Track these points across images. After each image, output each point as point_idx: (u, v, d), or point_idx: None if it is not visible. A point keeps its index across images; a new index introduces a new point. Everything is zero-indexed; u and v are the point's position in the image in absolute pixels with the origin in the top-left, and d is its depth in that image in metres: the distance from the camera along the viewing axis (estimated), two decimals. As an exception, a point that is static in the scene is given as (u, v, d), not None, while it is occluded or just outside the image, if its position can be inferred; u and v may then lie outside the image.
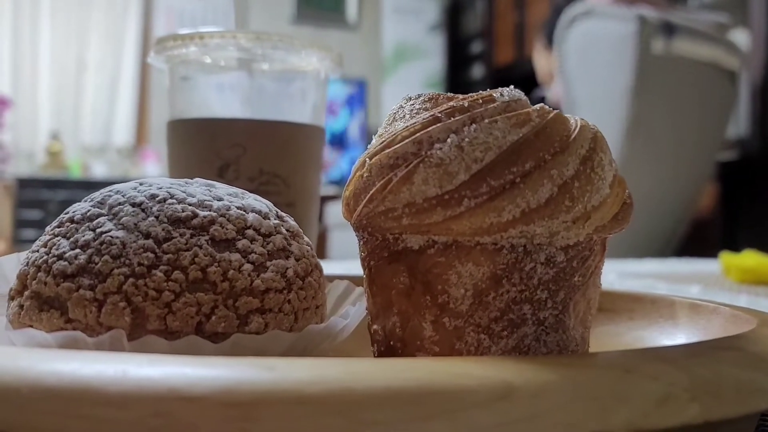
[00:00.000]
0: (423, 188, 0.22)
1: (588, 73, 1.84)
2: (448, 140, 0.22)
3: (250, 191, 0.40)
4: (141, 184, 0.25)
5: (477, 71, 3.68)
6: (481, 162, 0.21)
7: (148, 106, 3.73)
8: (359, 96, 3.77)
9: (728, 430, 0.19)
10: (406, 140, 0.22)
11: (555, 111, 0.23)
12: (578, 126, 0.22)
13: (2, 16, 3.37)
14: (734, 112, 2.06)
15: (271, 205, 0.27)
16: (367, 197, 0.23)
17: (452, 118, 0.22)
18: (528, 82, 2.39)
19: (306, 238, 0.27)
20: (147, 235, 0.23)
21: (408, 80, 3.87)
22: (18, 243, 3.27)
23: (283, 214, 0.27)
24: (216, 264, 0.23)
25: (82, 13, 3.51)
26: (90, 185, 3.47)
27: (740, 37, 2.21)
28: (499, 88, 0.23)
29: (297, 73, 0.43)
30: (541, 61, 2.12)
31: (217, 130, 0.40)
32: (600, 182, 0.22)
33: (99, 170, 3.58)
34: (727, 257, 0.75)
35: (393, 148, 0.23)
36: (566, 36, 1.85)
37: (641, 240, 1.74)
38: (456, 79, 3.85)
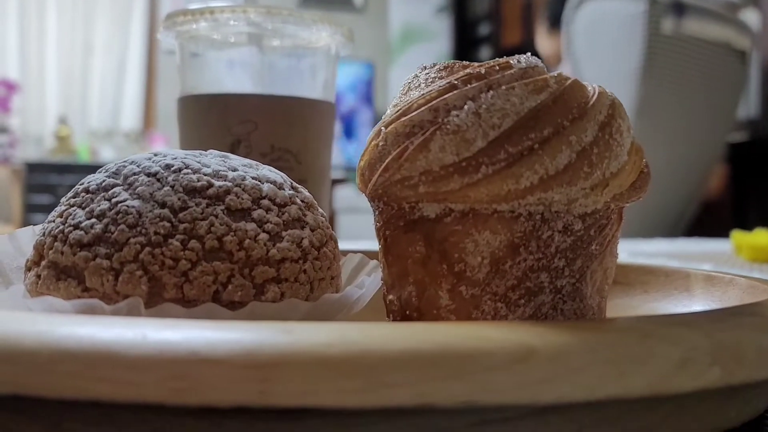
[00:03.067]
0: (440, 156, 0.21)
1: (596, 53, 1.83)
2: (465, 107, 0.21)
3: (262, 167, 0.40)
4: (156, 155, 0.25)
5: (484, 53, 3.65)
6: (499, 128, 0.21)
7: (155, 90, 3.73)
8: (367, 79, 3.75)
9: (749, 395, 0.19)
10: (422, 108, 0.22)
11: (572, 78, 0.23)
12: (596, 92, 0.22)
13: (8, 1, 3.36)
14: (745, 93, 2.04)
15: (286, 176, 0.27)
16: (383, 166, 0.23)
17: (469, 85, 0.22)
18: (536, 63, 2.37)
19: (320, 210, 0.27)
20: (163, 205, 0.22)
21: (415, 63, 3.80)
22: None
23: (298, 185, 0.27)
24: (232, 233, 0.23)
25: (88, 2, 3.50)
26: (98, 169, 3.48)
27: (751, 16, 2.18)
28: (516, 55, 0.23)
29: (307, 49, 0.43)
30: (545, 44, 2.10)
31: (228, 106, 0.40)
32: (618, 149, 0.22)
33: (107, 154, 3.58)
34: (738, 236, 0.75)
35: (409, 116, 0.22)
36: (574, 17, 1.83)
37: (651, 220, 1.73)
38: (464, 60, 3.82)
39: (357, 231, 2.23)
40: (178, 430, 0.17)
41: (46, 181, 3.36)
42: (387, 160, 0.23)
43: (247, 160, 0.26)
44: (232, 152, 0.40)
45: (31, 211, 3.32)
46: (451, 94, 0.22)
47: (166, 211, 0.22)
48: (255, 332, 0.16)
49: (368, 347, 0.16)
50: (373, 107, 3.75)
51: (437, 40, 3.91)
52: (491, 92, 0.21)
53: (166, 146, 3.55)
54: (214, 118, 0.40)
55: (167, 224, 0.22)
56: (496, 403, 0.16)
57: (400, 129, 0.23)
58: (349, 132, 3.68)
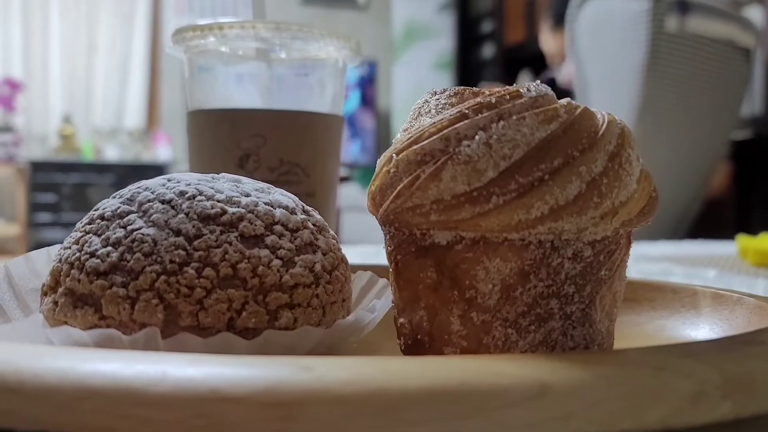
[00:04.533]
0: (451, 185, 0.22)
1: (600, 52, 1.82)
2: (476, 137, 0.22)
3: (271, 181, 0.41)
4: (169, 180, 0.25)
5: (487, 50, 3.64)
6: (510, 159, 0.21)
7: (158, 89, 3.73)
8: (370, 77, 3.75)
9: (759, 426, 0.20)
10: (434, 137, 0.22)
11: (582, 107, 0.23)
12: (605, 121, 0.22)
13: (12, 1, 3.37)
14: (749, 90, 2.04)
15: (297, 199, 0.27)
16: (395, 193, 0.23)
17: (479, 115, 0.22)
18: (538, 61, 2.37)
19: (332, 232, 0.27)
20: (177, 233, 0.23)
21: (418, 60, 3.84)
22: (32, 226, 3.30)
23: (309, 209, 0.27)
24: (246, 260, 0.23)
25: (92, 2, 3.49)
26: (102, 168, 3.49)
27: (755, 14, 2.17)
28: (526, 83, 0.23)
29: (316, 63, 0.43)
30: (549, 42, 2.10)
31: (237, 121, 0.40)
32: (627, 178, 0.22)
33: (111, 153, 3.59)
34: (743, 240, 0.75)
35: (420, 144, 0.23)
36: (578, 15, 1.83)
37: (655, 219, 1.73)
38: (466, 58, 3.82)
39: (360, 229, 2.23)
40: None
41: (50, 179, 3.37)
42: (399, 187, 0.23)
43: (259, 185, 0.26)
44: (241, 167, 0.40)
45: (35, 210, 3.33)
46: (462, 123, 0.22)
47: (180, 239, 0.23)
48: (275, 369, 0.16)
49: (387, 384, 0.16)
50: (375, 106, 3.75)
51: (440, 38, 3.90)
52: (502, 122, 0.22)
53: (169, 145, 3.56)
54: (223, 132, 0.41)
55: (182, 252, 0.22)
56: (511, 439, 0.16)
57: (412, 157, 0.23)
58: (352, 130, 3.68)
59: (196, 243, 0.23)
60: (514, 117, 0.22)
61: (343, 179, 3.11)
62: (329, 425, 0.16)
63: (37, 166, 3.39)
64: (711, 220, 2.03)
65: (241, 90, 0.43)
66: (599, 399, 0.17)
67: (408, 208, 0.23)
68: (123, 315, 0.22)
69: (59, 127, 3.55)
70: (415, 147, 0.23)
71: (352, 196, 2.83)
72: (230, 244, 0.23)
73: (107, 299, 0.22)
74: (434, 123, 0.23)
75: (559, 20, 1.98)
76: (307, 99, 0.43)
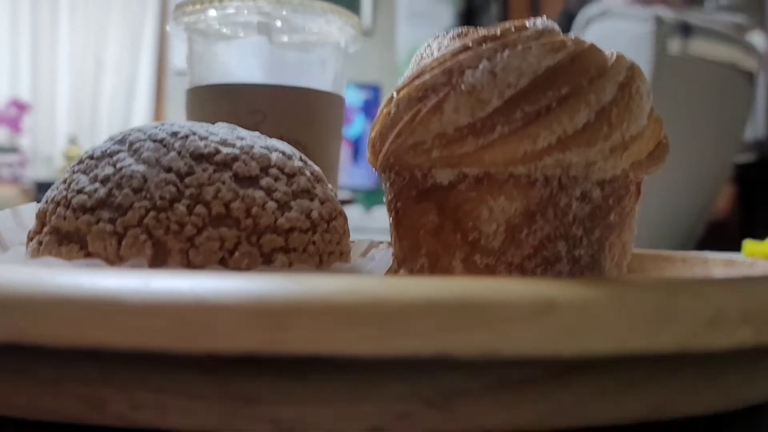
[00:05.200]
0: (454, 117, 0.21)
1: (604, 72, 1.82)
2: (480, 66, 0.21)
3: (270, 159, 0.40)
4: (162, 124, 0.24)
5: (491, 75, 3.66)
6: (515, 87, 0.20)
7: (164, 112, 3.75)
8: (374, 101, 3.77)
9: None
10: (435, 70, 0.22)
11: (590, 42, 0.22)
12: (615, 55, 0.22)
13: (22, 22, 3.40)
14: (752, 114, 2.04)
15: (295, 150, 0.26)
16: (395, 132, 0.22)
17: (484, 46, 0.21)
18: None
19: (329, 185, 0.26)
20: (168, 170, 0.22)
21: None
22: (34, 245, 3.28)
23: (307, 159, 0.26)
24: (240, 200, 0.22)
25: (100, 18, 3.53)
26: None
27: (758, 39, 2.18)
28: (532, 18, 0.22)
29: (317, 39, 0.42)
30: None
31: (236, 97, 0.40)
32: (638, 111, 0.21)
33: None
34: (750, 245, 0.74)
35: (422, 79, 0.22)
36: (582, 36, 1.83)
37: (659, 241, 1.72)
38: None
39: (353, 231, 2.21)
40: (184, 384, 0.16)
41: (53, 199, 3.36)
42: (399, 126, 0.22)
43: (255, 133, 0.26)
44: (240, 143, 0.39)
45: (37, 230, 3.31)
46: (465, 55, 0.21)
47: (172, 175, 0.22)
48: (265, 282, 0.15)
49: (385, 295, 0.15)
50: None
51: (444, 62, 3.91)
52: (507, 51, 0.21)
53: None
54: (222, 108, 0.40)
55: (173, 189, 0.21)
56: (516, 354, 0.15)
57: (413, 93, 0.22)
58: (356, 155, 3.68)
59: (187, 180, 0.22)
60: (520, 47, 0.21)
61: (347, 202, 3.11)
62: (320, 335, 0.14)
63: (43, 187, 3.38)
64: (715, 243, 2.01)
65: (241, 66, 0.42)
66: (610, 317, 0.15)
67: (409, 146, 0.22)
68: (109, 251, 0.21)
69: (65, 148, 3.56)
70: (416, 82, 0.22)
71: (356, 218, 2.82)
72: (223, 183, 0.22)
73: (93, 235, 0.21)
74: (436, 58, 0.22)
75: (562, 42, 1.98)
76: (308, 76, 0.42)
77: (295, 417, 0.16)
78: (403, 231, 0.24)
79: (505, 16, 3.58)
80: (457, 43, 0.22)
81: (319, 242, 0.24)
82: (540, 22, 0.22)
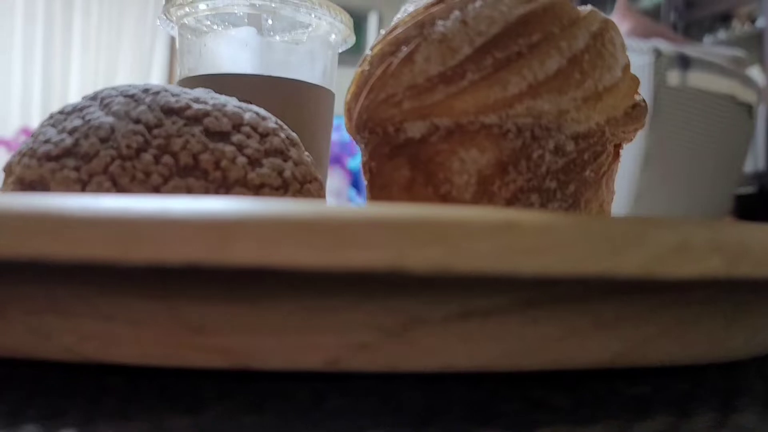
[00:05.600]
0: (425, 67, 0.21)
1: (604, 102, 1.83)
2: (452, 17, 0.21)
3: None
4: (138, 85, 0.24)
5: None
6: (486, 35, 0.20)
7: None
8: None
9: (757, 321, 0.18)
10: (408, 23, 0.21)
11: (564, -1, 0.22)
12: (589, 8, 0.21)
13: (35, 53, 3.46)
14: (752, 146, 2.04)
15: (272, 115, 0.26)
16: (368, 88, 0.22)
17: (456, -2, 0.21)
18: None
19: (305, 152, 0.26)
20: (137, 121, 0.22)
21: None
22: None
23: (284, 124, 0.26)
24: (209, 152, 0.22)
25: (112, 47, 3.58)
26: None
27: (756, 73, 2.20)
28: None
29: (307, 32, 0.42)
30: None
31: (224, 87, 0.40)
32: (612, 60, 0.21)
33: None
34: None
35: (394, 34, 0.22)
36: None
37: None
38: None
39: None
40: (131, 310, 0.15)
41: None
42: (371, 81, 0.22)
43: (232, 98, 0.25)
44: (226, 133, 0.39)
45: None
46: (437, 7, 0.21)
47: (140, 126, 0.22)
48: (212, 201, 0.15)
49: (337, 211, 0.15)
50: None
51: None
52: (479, 2, 0.21)
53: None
54: (209, 99, 0.40)
55: (140, 138, 0.21)
56: (472, 270, 0.14)
57: (386, 48, 0.22)
58: (357, 186, 3.69)
59: (156, 131, 0.22)
60: (492, -3, 0.21)
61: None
62: (266, 246, 0.14)
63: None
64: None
65: (230, 57, 0.42)
66: (572, 238, 0.15)
67: (381, 101, 0.22)
68: (73, 197, 0.20)
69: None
70: (388, 38, 0.22)
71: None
72: (193, 135, 0.22)
73: (56, 182, 0.21)
74: (410, 13, 0.22)
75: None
76: (297, 69, 0.42)
77: (247, 348, 0.16)
78: (376, 190, 0.23)
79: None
80: (431, -2, 0.22)
81: (291, 201, 0.23)
82: (514, -24, 0.22)
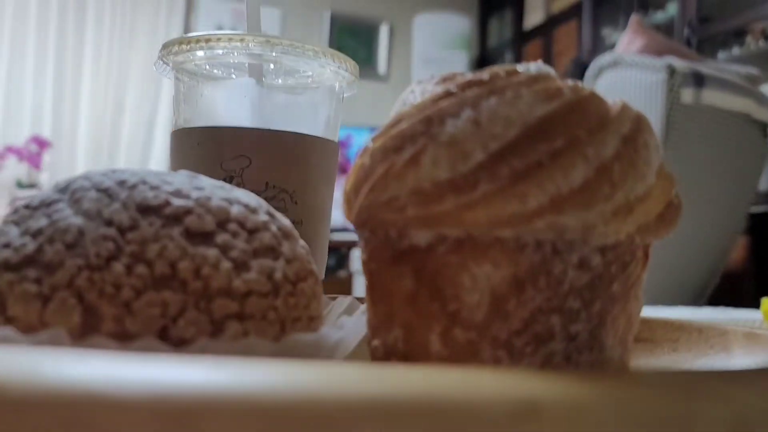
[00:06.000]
0: (432, 171, 0.18)
1: (616, 121, 1.81)
2: (463, 115, 0.18)
3: (253, 206, 0.37)
4: (114, 171, 0.22)
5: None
6: (502, 139, 0.18)
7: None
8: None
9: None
10: (413, 118, 0.19)
11: (591, 89, 0.19)
12: (619, 105, 0.19)
13: (46, 61, 3.46)
14: (766, 164, 2.01)
15: (264, 202, 0.24)
16: (368, 186, 0.20)
17: (468, 92, 0.19)
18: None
19: (302, 242, 0.23)
20: (109, 223, 0.19)
21: (434, 129, 3.85)
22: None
23: (276, 212, 0.23)
24: (188, 259, 0.19)
25: (123, 59, 3.58)
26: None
27: (768, 91, 2.17)
28: (524, 62, 0.20)
29: (309, 83, 0.40)
30: None
31: (221, 140, 0.37)
32: (645, 167, 0.18)
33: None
34: (770, 304, 0.70)
35: (398, 128, 0.19)
36: (594, 85, 1.83)
37: (672, 291, 1.68)
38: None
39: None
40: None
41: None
42: (372, 179, 0.19)
43: (219, 182, 0.23)
44: (222, 189, 0.37)
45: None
46: (447, 101, 0.19)
47: (112, 230, 0.19)
48: (173, 368, 0.12)
49: (321, 394, 0.12)
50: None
51: (457, 108, 3.92)
52: (494, 98, 0.18)
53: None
54: (206, 152, 0.38)
55: (111, 245, 0.19)
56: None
57: (389, 143, 0.19)
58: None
59: (129, 235, 0.19)
60: (509, 93, 0.18)
61: (355, 243, 3.08)
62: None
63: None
64: (729, 294, 1.97)
65: (228, 108, 0.40)
66: (606, 424, 0.12)
67: (383, 202, 0.19)
68: (31, 316, 0.18)
69: (79, 185, 3.58)
70: (392, 132, 0.19)
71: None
72: (171, 239, 0.19)
73: (15, 296, 0.18)
74: (416, 104, 0.20)
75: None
76: (299, 120, 0.40)
77: None
78: (377, 296, 0.21)
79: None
80: (440, 88, 0.19)
81: (282, 308, 0.21)
82: (534, 66, 0.20)
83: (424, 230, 0.19)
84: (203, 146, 0.38)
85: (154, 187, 0.21)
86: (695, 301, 1.78)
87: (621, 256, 0.19)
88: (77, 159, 3.64)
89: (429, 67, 4.00)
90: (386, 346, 0.21)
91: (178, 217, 0.20)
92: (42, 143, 3.40)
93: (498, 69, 0.19)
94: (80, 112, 3.61)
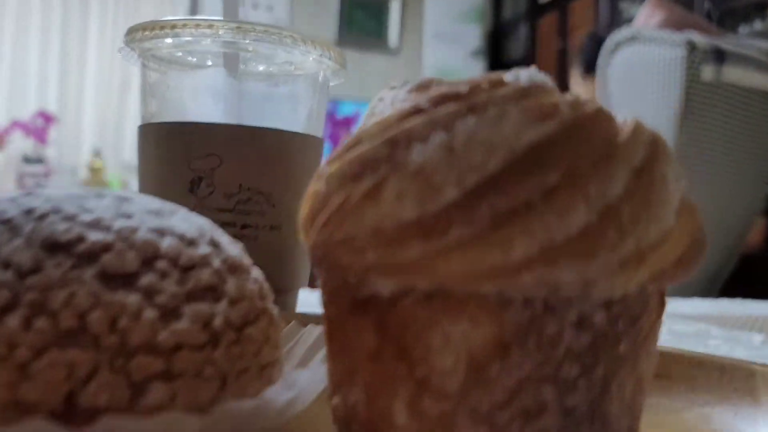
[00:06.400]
0: (395, 208, 0.15)
1: (633, 99, 1.76)
2: (433, 139, 0.15)
3: (227, 210, 0.34)
4: (28, 195, 0.18)
5: (517, 97, 3.59)
6: (482, 171, 0.14)
7: (186, 126, 3.74)
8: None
9: None
10: (376, 139, 0.15)
11: (595, 105, 0.16)
12: (630, 125, 0.15)
13: (51, 36, 3.43)
14: (788, 144, 1.95)
15: (212, 226, 0.20)
16: (323, 220, 0.16)
17: (441, 108, 0.15)
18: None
19: (254, 274, 0.20)
20: (6, 265, 0.16)
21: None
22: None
23: (224, 240, 0.20)
24: (102, 308, 0.16)
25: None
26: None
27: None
28: (515, 69, 0.16)
29: (289, 72, 0.36)
30: (579, 89, 2.04)
31: (189, 137, 0.34)
32: (661, 208, 0.15)
33: (137, 187, 3.58)
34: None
35: (357, 151, 0.16)
36: (610, 61, 1.77)
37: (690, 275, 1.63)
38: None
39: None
40: None
41: (75, 212, 3.35)
42: (328, 212, 0.16)
43: (157, 205, 0.20)
44: (192, 191, 0.33)
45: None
46: (415, 120, 0.15)
47: (9, 274, 0.16)
48: None
49: None
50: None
51: (469, 83, 3.86)
52: (472, 118, 0.14)
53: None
54: (173, 151, 0.34)
55: (6, 293, 0.16)
56: None
57: (346, 169, 0.16)
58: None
59: (30, 280, 0.16)
60: (492, 111, 0.15)
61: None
62: None
63: (63, 199, 3.38)
64: (745, 277, 1.92)
65: (198, 102, 0.36)
66: None
67: (338, 241, 0.16)
68: None
69: (89, 161, 3.56)
70: (349, 155, 0.16)
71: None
72: (82, 283, 0.16)
73: None
74: (379, 121, 0.16)
75: (589, 67, 1.93)
76: (277, 115, 0.36)
77: None
78: (336, 347, 0.17)
79: (533, 38, 3.52)
80: (407, 104, 0.16)
81: (222, 360, 0.17)
82: (525, 74, 0.16)
83: (387, 279, 0.15)
84: (170, 144, 0.34)
85: (68, 218, 0.17)
86: (710, 285, 1.73)
87: (630, 309, 0.16)
88: (83, 133, 3.64)
89: (442, 41, 3.93)
90: (347, 407, 0.17)
91: (92, 256, 0.17)
92: (48, 118, 3.38)
93: (480, 79, 0.16)
94: (86, 87, 3.59)
